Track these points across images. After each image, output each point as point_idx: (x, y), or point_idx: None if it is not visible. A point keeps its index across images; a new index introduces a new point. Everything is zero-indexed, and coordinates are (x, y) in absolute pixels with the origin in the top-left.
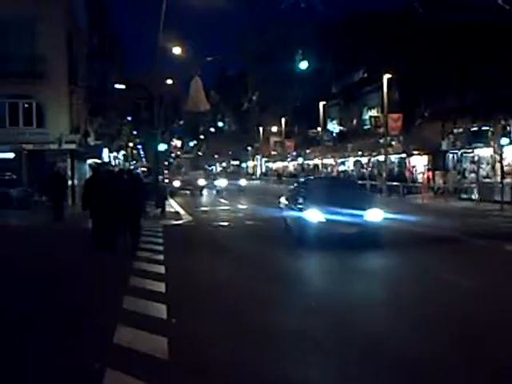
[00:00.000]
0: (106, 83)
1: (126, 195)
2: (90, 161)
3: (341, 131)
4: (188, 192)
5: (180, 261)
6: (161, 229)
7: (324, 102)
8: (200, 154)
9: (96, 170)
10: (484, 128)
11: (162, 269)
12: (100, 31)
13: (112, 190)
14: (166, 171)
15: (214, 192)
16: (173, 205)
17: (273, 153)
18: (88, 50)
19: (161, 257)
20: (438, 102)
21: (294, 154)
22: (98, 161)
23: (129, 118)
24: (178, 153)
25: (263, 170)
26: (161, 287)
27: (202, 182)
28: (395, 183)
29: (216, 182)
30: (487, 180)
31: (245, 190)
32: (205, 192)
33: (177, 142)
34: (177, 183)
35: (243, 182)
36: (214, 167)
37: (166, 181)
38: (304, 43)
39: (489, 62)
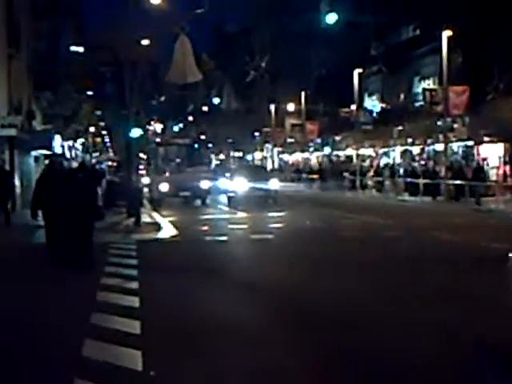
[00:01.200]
0: (57, 46)
1: (79, 196)
2: (35, 152)
3: (383, 110)
4: (183, 200)
5: (160, 290)
6: (134, 246)
7: (360, 70)
8: (202, 137)
9: (51, 164)
10: None
11: (135, 301)
12: None
13: (66, 191)
14: (141, 166)
15: (226, 201)
16: (152, 214)
17: (289, 140)
18: (33, 2)
19: (134, 285)
20: None
21: (319, 141)
22: (48, 152)
23: (89, 93)
24: (164, 138)
25: (276, 163)
26: (134, 327)
27: (205, 184)
28: (458, 182)
29: (227, 184)
30: None
31: (278, 198)
32: (209, 200)
33: (156, 126)
34: (164, 186)
35: (274, 183)
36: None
37: (146, 181)
38: None
39: None
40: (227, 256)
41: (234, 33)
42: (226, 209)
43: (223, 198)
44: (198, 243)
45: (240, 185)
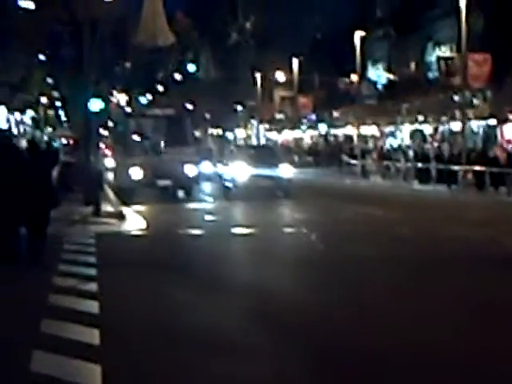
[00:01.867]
0: (3, 1)
1: (24, 177)
2: None
3: (390, 82)
4: (161, 191)
5: (124, 294)
6: (93, 240)
7: (363, 34)
8: (189, 107)
9: None
10: None
11: (94, 307)
12: None
13: (9, 172)
14: (102, 145)
15: (221, 191)
16: (112, 199)
17: (278, 116)
18: None
19: (92, 287)
20: None
21: (313, 118)
22: None
23: (42, 58)
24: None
25: (262, 143)
26: (93, 337)
27: (191, 170)
28: (478, 168)
29: (222, 169)
30: None
31: (290, 192)
32: (197, 192)
33: (120, 97)
34: (136, 172)
35: (286, 170)
36: None
37: (110, 163)
38: None
39: None
40: (201, 254)
41: None
42: (219, 202)
43: (208, 188)
44: (170, 238)
45: (240, 171)
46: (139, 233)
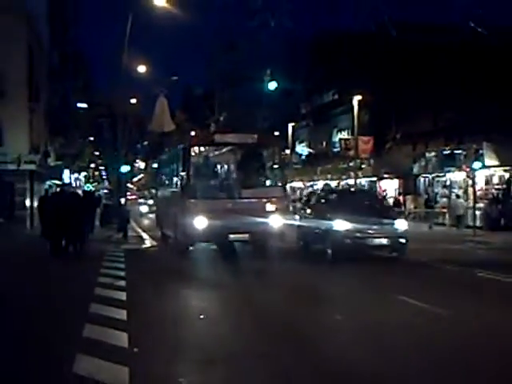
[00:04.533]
0: (67, 101)
1: (77, 210)
2: (49, 182)
3: (310, 153)
4: (229, 247)
5: (143, 287)
6: (122, 253)
7: (293, 124)
8: (276, 133)
9: (62, 191)
10: (456, 152)
11: (123, 296)
12: (62, 46)
13: (54, 207)
14: (128, 193)
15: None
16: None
17: None
18: (49, 66)
19: (122, 283)
20: (409, 124)
21: None
22: (58, 182)
23: (91, 138)
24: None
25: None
26: (121, 314)
27: (277, 219)
28: None
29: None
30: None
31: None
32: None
33: (140, 164)
34: (200, 222)
35: (401, 225)
36: None
37: (144, 209)
38: (273, 63)
39: (462, 84)
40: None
41: (200, 95)
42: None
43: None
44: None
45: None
46: (151, 248)
